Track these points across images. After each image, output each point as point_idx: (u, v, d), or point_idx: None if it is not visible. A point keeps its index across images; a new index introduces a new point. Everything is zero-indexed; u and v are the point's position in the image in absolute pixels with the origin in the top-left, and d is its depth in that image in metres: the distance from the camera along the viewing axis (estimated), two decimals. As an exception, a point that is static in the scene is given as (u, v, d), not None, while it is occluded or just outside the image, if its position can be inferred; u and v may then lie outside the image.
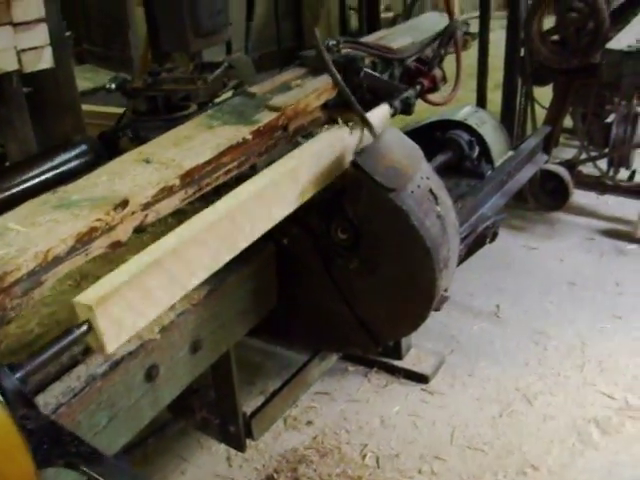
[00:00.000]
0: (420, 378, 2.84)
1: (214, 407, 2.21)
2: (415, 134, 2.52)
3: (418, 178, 1.79)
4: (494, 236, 2.43)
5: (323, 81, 2.23)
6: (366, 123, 1.81)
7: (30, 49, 2.12)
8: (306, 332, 2.17)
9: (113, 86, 2.02)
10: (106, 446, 1.57)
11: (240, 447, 2.25)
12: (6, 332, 1.53)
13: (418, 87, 2.43)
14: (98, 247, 1.60)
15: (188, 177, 1.77)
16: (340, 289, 1.96)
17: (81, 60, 6.78)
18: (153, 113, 2.11)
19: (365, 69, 2.22)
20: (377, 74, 2.23)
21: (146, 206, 1.68)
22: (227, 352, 2.01)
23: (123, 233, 1.67)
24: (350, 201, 1.80)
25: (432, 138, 2.55)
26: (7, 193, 1.81)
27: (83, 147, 2.07)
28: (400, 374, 2.88)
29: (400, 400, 2.77)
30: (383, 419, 2.68)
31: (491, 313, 3.27)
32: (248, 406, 2.44)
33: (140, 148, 1.88)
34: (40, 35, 2.19)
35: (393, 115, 2.19)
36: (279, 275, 2.05)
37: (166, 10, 2.31)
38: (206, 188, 1.86)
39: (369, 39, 2.75)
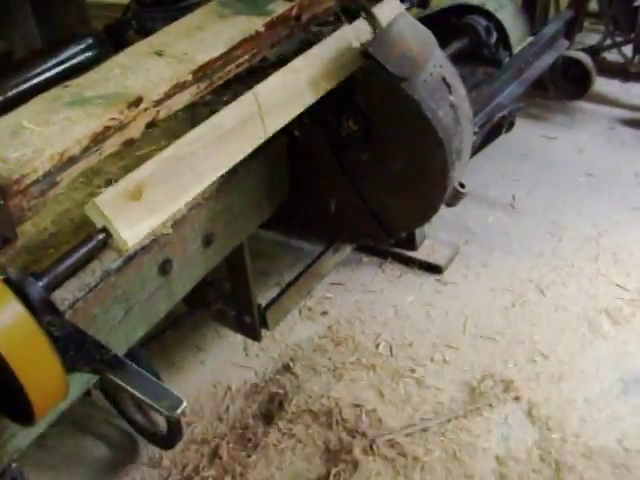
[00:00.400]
0: (434, 269, 2.86)
1: (229, 299, 2.26)
2: (429, 20, 2.43)
3: (431, 66, 1.73)
4: (510, 125, 2.38)
5: None
6: (369, 15, 1.73)
7: None
8: (319, 224, 2.18)
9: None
10: (123, 339, 1.62)
11: (255, 337, 2.32)
12: (21, 231, 1.53)
13: None
14: (111, 145, 1.59)
15: (201, 72, 1.74)
16: (352, 180, 1.94)
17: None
18: (159, 3, 2.03)
19: None
20: None
21: (158, 102, 1.66)
22: (240, 244, 2.03)
23: (136, 130, 1.65)
24: (362, 91, 1.76)
25: (448, 24, 2.45)
26: (15, 90, 1.78)
27: (89, 41, 2.01)
28: (414, 265, 2.90)
29: (414, 290, 2.81)
30: (397, 309, 2.73)
31: (506, 204, 3.24)
32: (263, 297, 2.49)
33: (149, 39, 1.83)
34: None
35: (409, 9, 2.11)
36: (291, 167, 2.03)
37: None
38: (218, 82, 1.83)
39: None
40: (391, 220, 1.99)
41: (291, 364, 2.51)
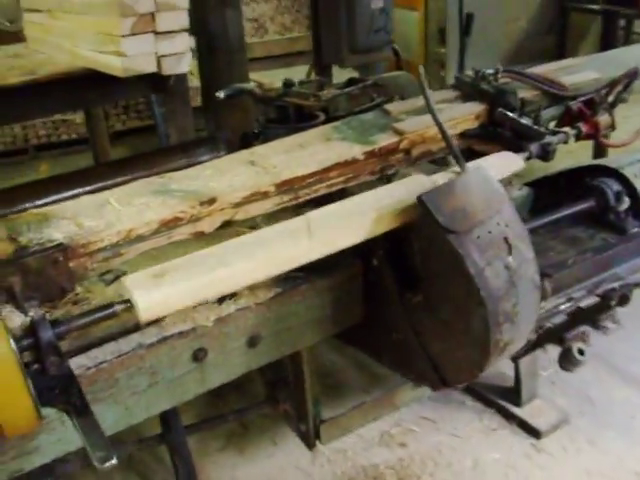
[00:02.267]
0: (533, 431, 2.67)
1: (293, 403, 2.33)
2: (561, 176, 2.36)
3: (492, 224, 1.70)
4: (624, 300, 2.18)
5: (467, 109, 2.21)
6: (459, 163, 1.76)
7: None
8: (387, 354, 2.18)
9: (222, 95, 2.19)
10: (144, 407, 1.76)
11: (309, 445, 2.34)
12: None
13: (573, 132, 2.27)
14: (181, 233, 1.80)
15: (285, 186, 1.90)
16: (410, 319, 1.94)
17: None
18: (283, 121, 2.25)
19: (500, 109, 2.14)
20: (512, 114, 2.12)
21: (237, 205, 1.84)
22: (298, 354, 2.10)
23: (208, 225, 1.85)
24: (415, 235, 1.78)
25: (580, 183, 2.35)
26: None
27: (219, 144, 2.28)
28: (514, 421, 2.73)
29: (503, 448, 2.64)
30: (477, 462, 2.58)
31: (645, 385, 2.94)
32: (331, 410, 2.52)
33: (254, 149, 2.04)
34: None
35: (528, 159, 2.10)
36: (367, 293, 2.08)
37: (327, 27, 2.44)
38: (304, 197, 1.97)
39: (548, 68, 2.62)
40: (444, 368, 1.93)
41: (348, 485, 2.49)
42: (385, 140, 2.05)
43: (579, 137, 2.32)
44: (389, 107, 2.24)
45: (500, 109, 2.14)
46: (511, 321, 1.73)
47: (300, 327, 2.01)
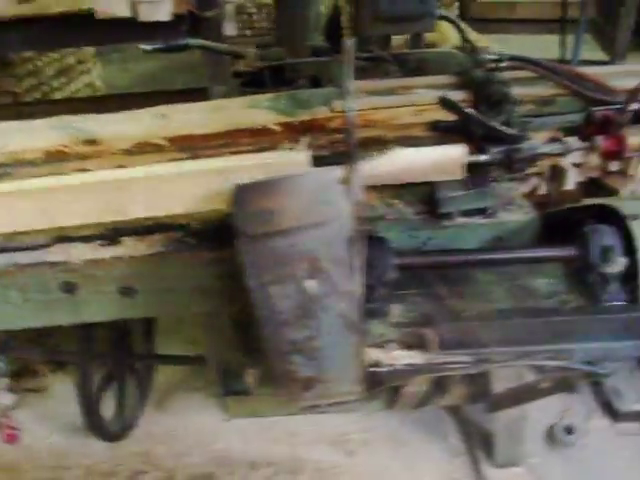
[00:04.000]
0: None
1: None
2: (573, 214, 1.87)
3: (301, 238, 1.42)
4: (565, 386, 1.69)
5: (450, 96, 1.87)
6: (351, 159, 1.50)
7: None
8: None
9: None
10: (19, 318, 1.85)
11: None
12: None
13: (581, 144, 1.78)
14: (68, 168, 1.86)
15: (179, 142, 1.82)
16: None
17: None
18: (257, 84, 2.11)
19: (467, 109, 1.76)
20: (476, 114, 1.71)
21: (127, 152, 1.82)
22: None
23: (97, 166, 1.86)
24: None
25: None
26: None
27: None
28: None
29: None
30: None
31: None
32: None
33: (176, 105, 1.97)
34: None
35: (490, 165, 1.74)
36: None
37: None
38: (205, 158, 1.88)
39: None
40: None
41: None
42: (312, 115, 1.84)
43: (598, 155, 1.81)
44: (353, 84, 1.97)
45: (467, 110, 1.75)
46: (305, 355, 1.48)
47: (183, 293, 1.94)
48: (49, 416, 2.39)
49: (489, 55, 1.89)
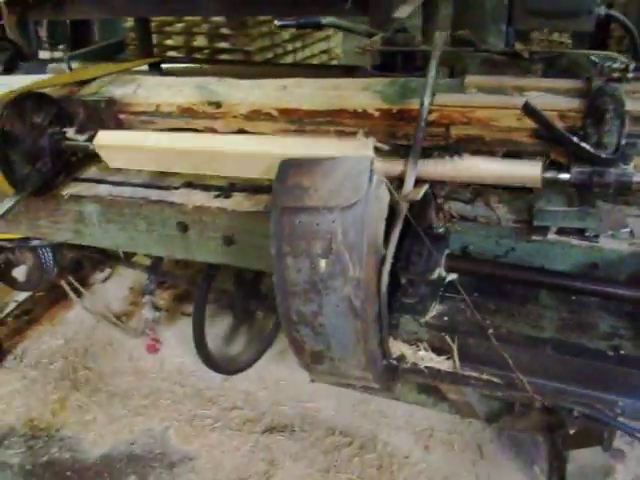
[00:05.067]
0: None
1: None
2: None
3: (325, 218, 1.45)
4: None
5: (551, 101, 1.76)
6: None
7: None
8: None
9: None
10: (143, 244, 2.11)
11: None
12: None
13: None
14: (197, 124, 2.09)
15: (288, 114, 1.95)
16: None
17: None
18: (388, 68, 2.11)
19: (549, 120, 1.61)
20: (559, 127, 1.55)
21: (246, 117, 1.99)
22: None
23: (221, 126, 2.06)
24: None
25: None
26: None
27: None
28: None
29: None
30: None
31: None
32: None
33: (298, 79, 2.07)
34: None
35: (573, 186, 1.62)
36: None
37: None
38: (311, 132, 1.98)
39: None
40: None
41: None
42: (410, 105, 1.83)
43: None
44: (470, 79, 1.91)
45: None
46: (312, 328, 1.54)
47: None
48: (189, 340, 2.67)
49: (616, 64, 1.72)
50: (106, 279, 3.86)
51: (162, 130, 2.13)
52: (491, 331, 1.54)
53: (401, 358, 1.66)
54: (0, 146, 1.91)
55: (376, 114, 1.86)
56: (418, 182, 1.62)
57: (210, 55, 5.07)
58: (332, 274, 1.46)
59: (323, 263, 1.47)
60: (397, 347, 1.67)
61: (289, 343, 1.64)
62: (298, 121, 1.95)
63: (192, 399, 2.86)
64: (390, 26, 2.55)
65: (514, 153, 1.76)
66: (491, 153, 1.81)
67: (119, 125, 2.19)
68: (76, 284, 3.46)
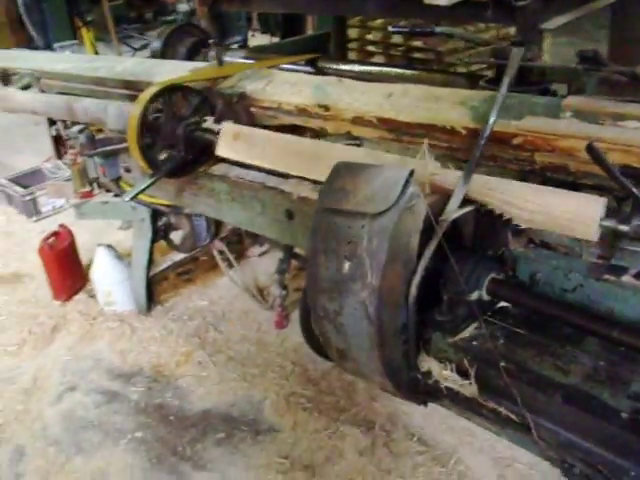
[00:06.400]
0: None
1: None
2: None
3: (357, 222, 1.49)
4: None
5: None
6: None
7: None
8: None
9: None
10: (257, 225, 2.34)
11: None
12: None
13: None
14: (310, 123, 2.27)
15: (385, 124, 2.05)
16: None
17: None
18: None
19: (611, 165, 1.51)
20: (619, 174, 1.44)
21: (351, 122, 2.13)
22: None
23: (331, 128, 2.22)
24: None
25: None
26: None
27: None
28: None
29: None
30: None
31: None
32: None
33: (405, 85, 2.12)
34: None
35: (617, 235, 1.55)
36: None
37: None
38: (406, 142, 2.05)
39: None
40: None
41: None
42: (509, 129, 1.80)
43: None
44: (571, 100, 1.84)
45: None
46: (334, 326, 1.63)
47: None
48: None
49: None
50: (263, 254, 4.15)
51: (285, 126, 2.32)
52: (502, 364, 1.50)
53: (427, 373, 1.67)
54: (141, 135, 2.18)
55: (463, 132, 1.88)
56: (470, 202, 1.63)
57: (404, 53, 5.15)
58: (353, 277, 1.53)
59: (347, 265, 1.54)
60: (428, 362, 1.68)
61: (319, 336, 1.72)
62: (396, 130, 2.02)
63: (297, 377, 3.03)
64: (536, 38, 2.48)
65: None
66: (575, 185, 1.74)
67: (250, 118, 2.41)
68: (229, 254, 3.81)
